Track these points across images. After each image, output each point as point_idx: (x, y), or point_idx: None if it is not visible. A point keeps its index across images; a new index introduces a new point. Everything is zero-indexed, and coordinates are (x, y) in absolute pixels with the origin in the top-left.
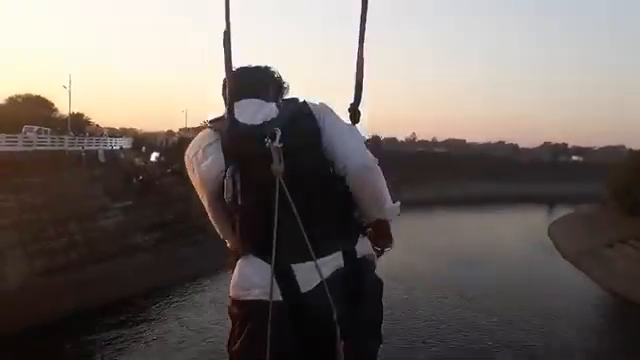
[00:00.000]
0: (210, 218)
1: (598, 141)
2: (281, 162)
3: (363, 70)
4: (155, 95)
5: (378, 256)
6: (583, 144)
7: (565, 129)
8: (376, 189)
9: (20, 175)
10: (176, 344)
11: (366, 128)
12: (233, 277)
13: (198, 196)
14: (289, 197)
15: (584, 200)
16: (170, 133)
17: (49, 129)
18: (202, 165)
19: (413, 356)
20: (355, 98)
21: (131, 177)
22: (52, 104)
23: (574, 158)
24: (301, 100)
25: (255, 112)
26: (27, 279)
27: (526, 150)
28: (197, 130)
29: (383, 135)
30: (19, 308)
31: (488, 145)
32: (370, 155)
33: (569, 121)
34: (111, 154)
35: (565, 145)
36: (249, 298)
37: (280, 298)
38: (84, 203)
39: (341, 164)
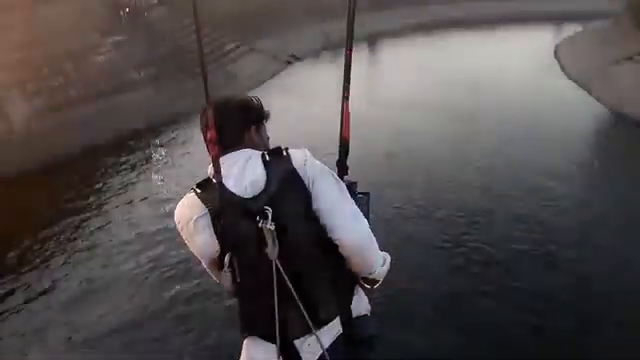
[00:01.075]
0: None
1: None
2: (275, 244)
3: (349, 125)
4: None
5: (368, 291)
6: None
7: None
8: (368, 260)
9: None
10: (183, 172)
11: None
12: (242, 357)
13: (192, 28)
14: (286, 277)
15: (597, 17)
16: None
17: None
18: (195, 238)
19: (411, 179)
20: (340, 154)
21: (117, 10)
22: None
23: None
24: (286, 156)
25: (241, 174)
26: (29, 118)
27: None
28: None
29: None
30: (24, 148)
31: None
32: (363, 223)
33: None
34: None
35: None
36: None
37: None
38: (73, 40)
39: (334, 235)
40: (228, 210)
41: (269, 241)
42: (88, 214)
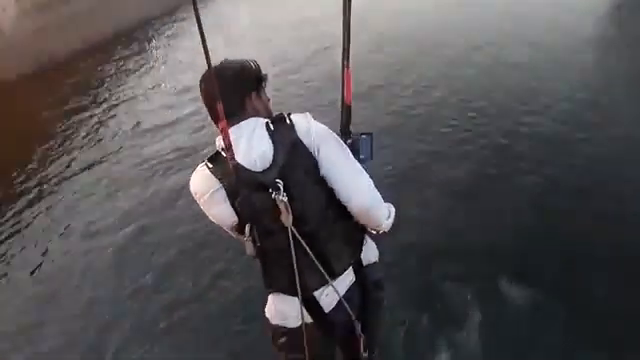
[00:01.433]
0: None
1: None
2: (289, 212)
3: (351, 90)
4: None
5: (376, 238)
6: None
7: None
8: (374, 218)
9: None
10: (184, 65)
11: None
12: (269, 309)
13: None
14: (301, 240)
15: None
16: None
17: None
18: (212, 211)
19: (410, 63)
20: (342, 121)
21: None
22: None
23: None
24: (289, 124)
25: (249, 147)
26: (18, 19)
27: None
28: None
29: None
30: (19, 51)
31: None
32: (367, 187)
33: None
34: None
35: None
36: (287, 327)
37: (310, 320)
38: None
39: (341, 198)
40: (242, 186)
41: (283, 211)
42: (94, 112)
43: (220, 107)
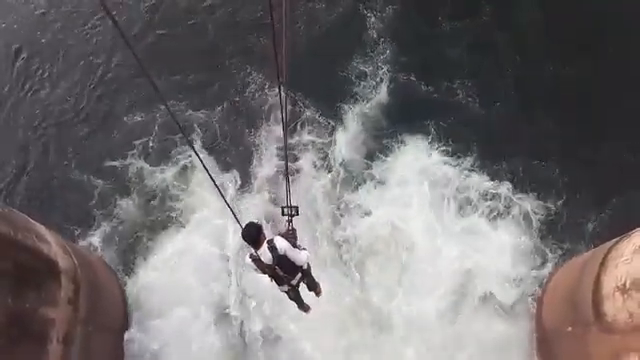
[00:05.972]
0: (259, 270)
1: None
2: (281, 272)
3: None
4: None
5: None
6: None
7: None
8: (303, 264)
9: None
10: None
11: None
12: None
13: None
14: (285, 275)
15: None
16: None
17: None
18: (258, 273)
19: None
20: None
21: None
22: None
23: None
24: (275, 246)
25: (265, 256)
26: None
27: None
28: None
29: None
30: None
31: None
32: (304, 260)
33: None
34: None
35: None
36: (284, 290)
37: (288, 287)
38: None
39: (294, 262)
40: (264, 267)
41: (279, 272)
42: None
43: (255, 248)
